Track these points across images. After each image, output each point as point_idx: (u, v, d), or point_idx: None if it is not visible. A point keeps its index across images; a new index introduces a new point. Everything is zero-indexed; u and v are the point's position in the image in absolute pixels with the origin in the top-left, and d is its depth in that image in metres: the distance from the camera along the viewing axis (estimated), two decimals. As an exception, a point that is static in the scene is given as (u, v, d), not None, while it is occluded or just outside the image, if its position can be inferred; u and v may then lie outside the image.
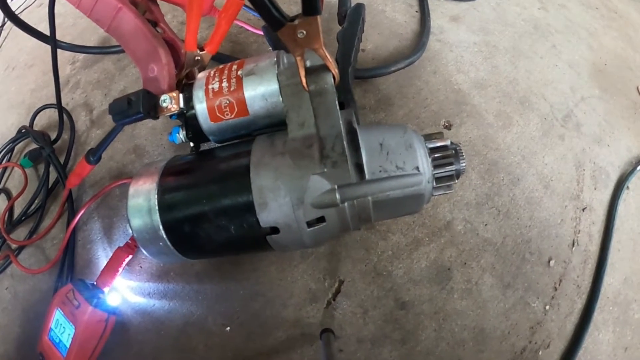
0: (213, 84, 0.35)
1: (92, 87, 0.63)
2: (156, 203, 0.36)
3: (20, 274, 0.56)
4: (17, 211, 0.59)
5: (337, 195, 0.31)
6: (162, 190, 0.37)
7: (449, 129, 0.57)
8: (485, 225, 0.51)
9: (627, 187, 0.59)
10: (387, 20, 0.65)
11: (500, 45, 0.66)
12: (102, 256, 0.53)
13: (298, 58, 0.30)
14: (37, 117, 0.63)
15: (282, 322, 0.45)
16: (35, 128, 0.63)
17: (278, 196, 0.32)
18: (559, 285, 0.50)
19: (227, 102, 0.34)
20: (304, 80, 0.30)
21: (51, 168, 0.58)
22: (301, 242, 0.34)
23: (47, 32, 0.57)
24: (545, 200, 0.54)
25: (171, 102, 0.37)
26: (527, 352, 0.46)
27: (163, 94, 0.39)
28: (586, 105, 0.64)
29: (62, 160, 0.58)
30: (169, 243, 0.37)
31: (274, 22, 0.29)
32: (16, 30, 0.79)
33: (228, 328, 0.46)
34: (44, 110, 0.62)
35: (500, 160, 0.55)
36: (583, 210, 0.56)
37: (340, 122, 0.31)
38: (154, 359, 0.48)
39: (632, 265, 0.55)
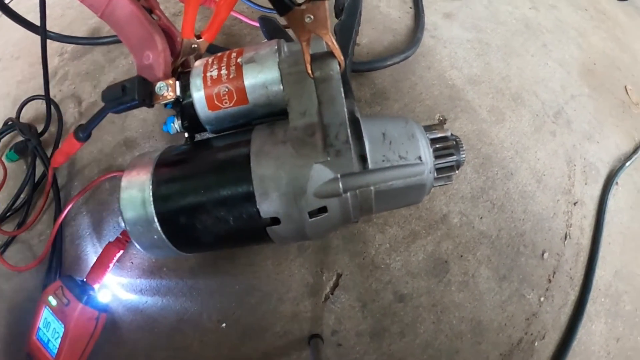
0: (211, 71, 0.34)
1: (80, 79, 0.61)
2: (150, 194, 0.35)
3: (5, 272, 0.54)
4: (1, 207, 0.56)
5: (340, 185, 0.31)
6: (157, 181, 0.35)
7: (444, 124, 0.57)
8: (481, 218, 0.51)
9: (616, 183, 0.61)
10: (381, 16, 0.65)
11: (493, 42, 0.67)
12: (92, 252, 0.52)
13: (304, 43, 0.29)
14: (24, 110, 0.60)
15: (279, 317, 0.45)
16: (22, 120, 0.61)
17: (280, 185, 0.31)
18: (553, 277, 0.51)
19: (226, 89, 0.34)
20: (309, 66, 0.30)
21: (37, 162, 0.56)
22: (302, 233, 0.33)
23: (36, 22, 0.55)
24: (538, 195, 0.55)
25: (167, 89, 0.36)
26: (523, 343, 0.47)
27: (158, 81, 0.38)
28: (576, 103, 0.66)
29: (49, 153, 0.56)
30: (163, 236, 0.36)
31: (283, 5, 0.28)
32: (2, 22, 0.77)
33: (224, 324, 0.45)
34: (31, 103, 0.60)
35: (494, 155, 0.56)
36: (574, 204, 0.57)
37: (345, 110, 0.30)
38: (147, 357, 0.46)
39: (622, 258, 0.57)
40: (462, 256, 0.48)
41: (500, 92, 0.62)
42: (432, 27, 0.65)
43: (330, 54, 0.30)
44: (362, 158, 0.32)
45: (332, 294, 0.45)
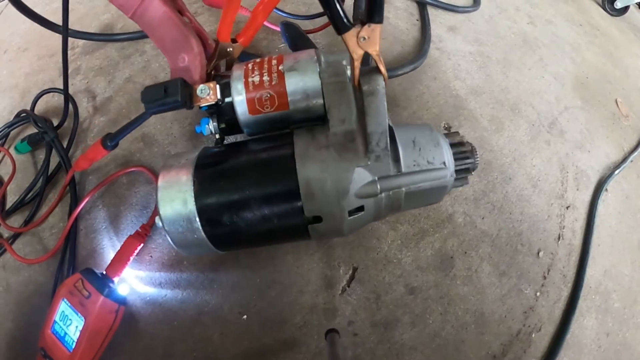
0: (253, 77, 0.40)
1: (94, 74, 0.66)
2: (192, 194, 0.38)
3: (14, 264, 0.57)
4: (11, 200, 0.60)
5: (378, 186, 0.37)
6: (199, 180, 0.39)
7: (449, 131, 0.65)
8: (482, 218, 0.59)
9: (606, 190, 0.70)
10: (391, 27, 0.73)
11: (493, 56, 0.76)
12: (108, 246, 0.56)
13: (356, 60, 0.35)
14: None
15: (299, 309, 0.50)
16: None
17: (325, 187, 0.36)
18: (548, 274, 0.59)
19: (268, 95, 0.40)
20: (356, 80, 0.36)
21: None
22: (339, 230, 0.39)
23: (44, 16, 0.59)
24: (534, 198, 0.63)
25: (209, 92, 0.42)
26: (521, 335, 0.54)
27: (194, 84, 0.43)
28: (569, 114, 0.75)
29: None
30: (203, 234, 0.39)
31: (342, 25, 0.34)
32: (7, 13, 0.81)
33: (245, 316, 0.50)
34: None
35: (494, 161, 0.64)
36: (567, 208, 0.65)
37: (387, 120, 0.37)
38: (166, 350, 0.50)
39: (610, 259, 0.65)
40: (466, 253, 0.56)
41: (500, 102, 0.71)
42: (437, 39, 0.74)
43: (377, 70, 0.36)
44: (397, 162, 0.38)
45: (348, 286, 0.52)
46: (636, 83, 0.91)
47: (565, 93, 0.77)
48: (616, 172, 0.72)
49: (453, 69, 0.71)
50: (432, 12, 0.77)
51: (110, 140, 0.48)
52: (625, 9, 1.04)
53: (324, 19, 0.64)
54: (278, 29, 0.64)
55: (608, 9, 1.04)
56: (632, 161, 0.76)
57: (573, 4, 0.98)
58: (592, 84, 0.82)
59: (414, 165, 0.39)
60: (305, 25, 0.66)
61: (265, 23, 0.65)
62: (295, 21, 0.64)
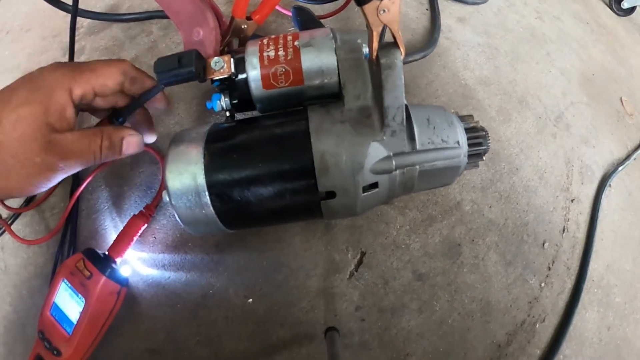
0: (268, 51, 0.40)
1: (99, 54, 0.65)
2: (202, 167, 0.38)
3: (12, 246, 0.56)
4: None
5: (393, 162, 0.37)
6: (210, 153, 0.38)
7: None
8: (490, 207, 0.59)
9: (610, 185, 0.70)
10: (400, 15, 0.73)
11: (501, 48, 0.76)
12: (110, 226, 0.55)
13: (375, 33, 0.35)
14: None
15: (306, 293, 0.50)
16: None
17: (339, 161, 0.36)
18: (552, 265, 0.59)
19: (283, 70, 0.39)
20: (374, 53, 0.36)
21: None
22: (352, 207, 0.39)
23: None
24: (540, 190, 0.64)
25: (223, 65, 0.41)
26: (526, 325, 0.54)
27: (208, 57, 0.42)
28: (575, 109, 0.76)
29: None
30: (212, 210, 0.38)
31: None
32: (9, -6, 0.79)
33: (250, 300, 0.50)
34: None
35: (502, 151, 0.64)
36: (572, 201, 0.66)
37: (403, 95, 0.36)
38: (168, 334, 0.50)
39: (612, 254, 0.66)
40: (473, 240, 0.56)
41: (508, 94, 0.71)
42: (447, 29, 0.74)
43: (395, 44, 0.36)
44: (412, 139, 0.38)
45: (356, 270, 0.51)
46: (641, 83, 0.92)
47: (571, 88, 0.78)
48: (620, 168, 0.72)
49: (462, 59, 0.71)
50: (441, 2, 0.77)
51: (118, 117, 0.45)
52: (632, 9, 1.04)
53: (335, 5, 0.64)
54: (289, 13, 0.63)
55: (615, 9, 1.05)
56: (635, 159, 0.77)
57: (580, 2, 0.99)
58: (598, 81, 0.83)
59: (429, 143, 0.38)
60: (316, 10, 0.65)
61: (276, 7, 0.65)
62: (306, 5, 0.63)
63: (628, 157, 0.76)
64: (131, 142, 0.41)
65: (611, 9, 1.05)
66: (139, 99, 0.44)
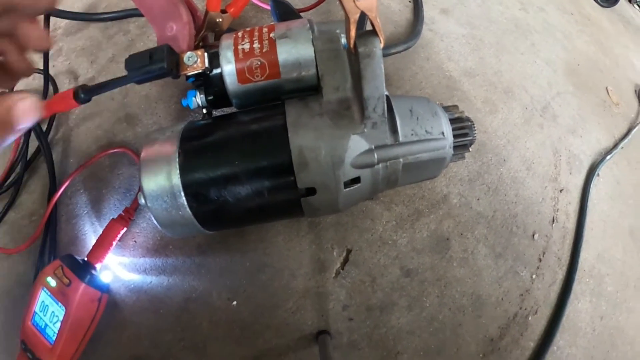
0: (243, 44, 0.38)
1: (76, 55, 0.63)
2: (177, 166, 0.36)
3: (-8, 255, 0.55)
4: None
5: (375, 155, 0.35)
6: (184, 152, 0.37)
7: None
8: (478, 199, 0.58)
9: (598, 174, 0.70)
10: (383, 7, 0.72)
11: (486, 39, 0.75)
12: (90, 231, 0.53)
13: (352, 20, 0.33)
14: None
15: (291, 293, 0.49)
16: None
17: (319, 155, 0.34)
18: (543, 256, 0.58)
19: (259, 63, 0.38)
20: (352, 41, 0.34)
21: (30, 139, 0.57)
22: (334, 203, 0.37)
23: None
24: (528, 180, 0.63)
25: (197, 60, 0.39)
26: (518, 317, 0.53)
27: (182, 53, 0.41)
28: (561, 99, 0.75)
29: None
30: (189, 210, 0.37)
31: None
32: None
33: (234, 302, 0.49)
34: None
35: (489, 142, 0.63)
36: (560, 191, 0.65)
37: (384, 85, 0.34)
38: (152, 340, 0.48)
39: (603, 243, 0.65)
40: (462, 234, 0.55)
41: (493, 85, 0.70)
42: (430, 21, 0.73)
43: (373, 33, 0.34)
44: (394, 131, 0.37)
45: (342, 269, 0.50)
46: (626, 73, 0.92)
47: (557, 79, 0.77)
48: (607, 157, 0.72)
49: (446, 51, 0.70)
50: (424, -7, 0.76)
51: (84, 93, 0.40)
52: (615, 0, 1.04)
53: (315, -2, 0.63)
54: (267, 6, 0.62)
55: (598, 0, 1.05)
56: (622, 148, 0.76)
57: (564, -8, 0.99)
58: (583, 71, 0.82)
59: (412, 134, 0.37)
60: (295, 3, 0.64)
61: (254, 0, 0.63)
62: (285, -1, 0.62)
63: (615, 146, 0.75)
64: (24, 110, 0.26)
65: (595, 0, 1.05)
66: (107, 84, 0.40)
